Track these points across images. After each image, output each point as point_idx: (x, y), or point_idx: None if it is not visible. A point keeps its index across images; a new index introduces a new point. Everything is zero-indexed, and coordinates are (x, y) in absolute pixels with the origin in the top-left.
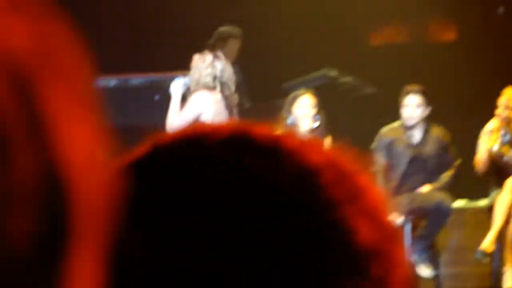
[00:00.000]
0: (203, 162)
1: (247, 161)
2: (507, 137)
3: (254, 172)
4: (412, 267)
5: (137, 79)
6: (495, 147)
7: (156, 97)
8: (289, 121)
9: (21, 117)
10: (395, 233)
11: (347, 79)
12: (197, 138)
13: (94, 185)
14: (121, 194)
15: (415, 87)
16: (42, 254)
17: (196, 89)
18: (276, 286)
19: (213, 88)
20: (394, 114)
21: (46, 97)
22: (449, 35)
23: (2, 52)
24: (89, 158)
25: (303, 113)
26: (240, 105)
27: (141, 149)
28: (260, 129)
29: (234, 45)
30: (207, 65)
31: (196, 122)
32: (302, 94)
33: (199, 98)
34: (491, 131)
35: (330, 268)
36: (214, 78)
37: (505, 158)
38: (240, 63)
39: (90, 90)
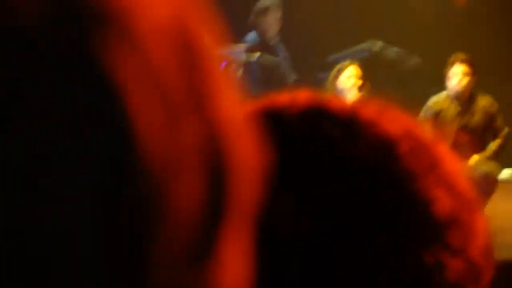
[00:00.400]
0: (282, 137)
1: (323, 132)
2: None
3: (333, 143)
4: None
5: None
6: None
7: None
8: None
9: (186, 86)
10: (473, 202)
11: (392, 51)
12: (275, 112)
13: (250, 149)
14: (269, 160)
15: (461, 56)
16: (206, 224)
17: None
18: (358, 253)
19: None
20: (440, 85)
21: (203, 65)
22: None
23: (163, 22)
24: (243, 122)
25: (349, 84)
26: (285, 79)
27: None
28: (336, 100)
29: (274, 17)
30: None
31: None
32: (348, 65)
33: None
34: None
35: (410, 237)
36: None
37: None
38: (284, 36)
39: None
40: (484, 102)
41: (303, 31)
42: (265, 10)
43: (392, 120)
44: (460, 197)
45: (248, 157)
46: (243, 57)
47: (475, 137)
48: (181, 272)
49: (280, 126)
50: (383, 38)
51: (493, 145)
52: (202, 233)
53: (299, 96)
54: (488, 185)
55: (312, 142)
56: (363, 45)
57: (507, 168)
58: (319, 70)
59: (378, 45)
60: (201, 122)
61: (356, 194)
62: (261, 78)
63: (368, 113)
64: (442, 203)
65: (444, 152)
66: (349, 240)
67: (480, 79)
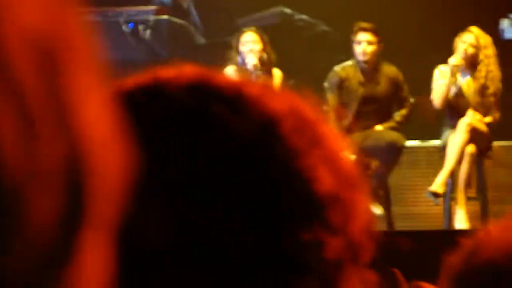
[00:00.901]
0: (166, 111)
1: (209, 109)
2: (467, 77)
3: (217, 120)
4: (373, 217)
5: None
6: (455, 83)
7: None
8: (239, 60)
9: (46, 96)
10: (356, 181)
11: (302, 16)
12: (159, 85)
13: (112, 162)
14: (132, 170)
15: (366, 24)
16: (63, 234)
17: None
18: (236, 232)
19: None
20: (348, 52)
21: (67, 75)
22: None
23: (28, 28)
24: (107, 137)
25: (247, 49)
26: (193, 42)
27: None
28: (222, 76)
29: None
30: None
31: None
32: (245, 31)
33: None
34: (454, 67)
35: (289, 215)
36: None
37: (462, 96)
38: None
39: (102, 65)
40: (389, 71)
41: None
42: None
43: (277, 98)
44: (342, 176)
45: (110, 169)
46: (152, 18)
47: (380, 106)
48: (39, 275)
49: (164, 101)
50: (291, 5)
51: (398, 115)
52: (59, 241)
53: (184, 71)
54: (393, 154)
55: (196, 118)
56: (272, 10)
57: (412, 140)
58: (228, 34)
59: (288, 10)
60: (61, 139)
61: (235, 172)
62: (169, 40)
63: (253, 90)
64: (324, 181)
65: (328, 130)
66: (226, 224)
67: (387, 50)
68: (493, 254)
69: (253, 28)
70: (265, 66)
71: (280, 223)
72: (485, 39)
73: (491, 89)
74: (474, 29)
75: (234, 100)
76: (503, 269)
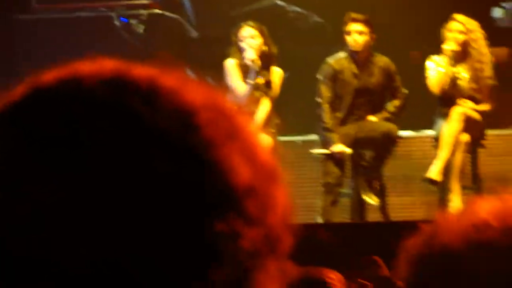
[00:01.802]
0: (83, 104)
1: (125, 102)
2: (459, 65)
3: (131, 113)
4: (293, 208)
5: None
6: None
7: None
8: (239, 54)
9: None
10: (272, 172)
11: (294, 8)
12: (76, 79)
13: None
14: None
15: (357, 15)
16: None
17: None
18: (151, 223)
19: None
20: (341, 44)
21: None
22: None
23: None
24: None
25: (246, 44)
26: (187, 35)
27: (19, 91)
28: (140, 69)
29: None
30: None
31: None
32: (244, 25)
33: None
34: (450, 53)
35: (205, 207)
36: None
37: (455, 85)
38: None
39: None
40: (382, 62)
41: None
42: None
43: (193, 90)
44: (260, 167)
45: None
46: (145, 13)
47: (374, 97)
48: None
49: (80, 94)
50: None
51: (392, 106)
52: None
53: (103, 65)
54: (387, 145)
55: (112, 111)
56: (265, 2)
57: (406, 130)
58: (222, 26)
59: (280, 3)
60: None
61: (149, 163)
62: (162, 34)
63: (169, 83)
64: (241, 172)
65: (245, 122)
66: (141, 213)
67: (380, 40)
68: (451, 238)
69: (251, 22)
70: (266, 60)
71: (196, 213)
72: (472, 24)
73: (486, 72)
74: (459, 16)
75: (149, 92)
76: (459, 252)
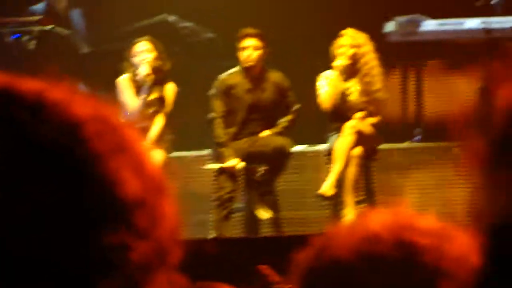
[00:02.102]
0: None
1: (11, 114)
2: (350, 79)
3: (18, 125)
4: (182, 221)
5: None
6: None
7: None
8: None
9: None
10: (161, 186)
11: (186, 24)
12: None
13: None
14: None
15: (251, 30)
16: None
17: None
18: (38, 235)
19: None
20: (234, 59)
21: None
22: None
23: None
24: None
25: (139, 59)
26: (78, 51)
27: None
28: (28, 83)
29: None
30: None
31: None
32: (138, 40)
33: None
34: (340, 68)
35: (93, 219)
36: None
37: (346, 100)
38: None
39: None
40: (275, 77)
41: (97, 1)
42: None
43: (80, 103)
44: (148, 180)
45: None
46: (36, 29)
47: (267, 112)
48: None
49: None
50: (176, 12)
51: (284, 121)
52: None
53: None
54: (280, 159)
55: None
56: (157, 18)
57: (299, 145)
58: (113, 41)
59: (172, 18)
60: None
61: (35, 175)
62: (55, 50)
63: (56, 96)
64: (129, 185)
65: (134, 135)
66: (28, 225)
67: (275, 54)
68: (341, 250)
69: (146, 37)
70: (159, 76)
71: (83, 226)
72: (361, 37)
73: (376, 85)
74: (348, 31)
75: (35, 105)
76: (351, 265)
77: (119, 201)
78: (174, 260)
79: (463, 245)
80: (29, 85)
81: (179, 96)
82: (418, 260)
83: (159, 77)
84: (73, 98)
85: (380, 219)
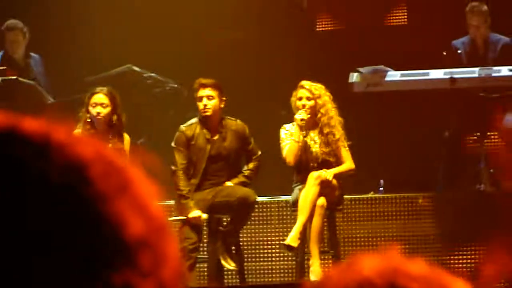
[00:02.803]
0: None
1: (16, 154)
2: (311, 130)
3: (22, 165)
4: (183, 261)
5: None
6: (303, 138)
7: None
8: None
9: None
10: (164, 226)
11: (151, 74)
12: None
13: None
14: None
15: (206, 80)
16: None
17: None
18: (41, 277)
19: None
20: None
21: None
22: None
23: None
24: None
25: (95, 111)
26: (42, 100)
27: None
28: (30, 122)
29: (13, 38)
30: None
31: None
32: (97, 92)
33: None
34: (301, 122)
35: (98, 260)
36: None
37: (309, 151)
38: (42, 56)
39: None
40: (234, 125)
41: (60, 51)
42: (2, 32)
43: (84, 143)
44: (152, 221)
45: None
46: (0, 79)
47: (229, 162)
48: None
49: None
50: (140, 63)
51: (247, 169)
52: None
53: None
54: (244, 210)
55: (3, 164)
56: (120, 69)
57: (263, 196)
58: (75, 92)
59: (135, 69)
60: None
61: (42, 216)
62: (19, 100)
63: (61, 136)
64: (133, 225)
65: (137, 176)
66: (32, 268)
67: (235, 104)
68: None
69: (104, 89)
70: (115, 128)
71: (89, 267)
72: (318, 89)
73: (336, 135)
74: (305, 83)
75: (41, 145)
76: None
77: (123, 242)
78: None
79: None
80: (33, 125)
81: (143, 146)
82: None
83: (116, 130)
84: (78, 140)
85: (371, 264)
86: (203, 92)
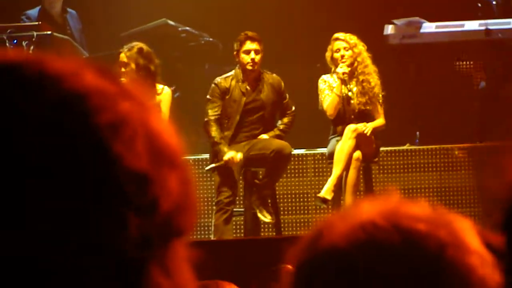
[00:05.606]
0: None
1: (8, 92)
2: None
3: (10, 104)
4: (195, 195)
5: None
6: (345, 92)
7: None
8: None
9: None
10: (171, 160)
11: (186, 27)
12: None
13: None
14: None
15: (253, 33)
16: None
17: None
18: (39, 211)
19: None
20: (231, 63)
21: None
22: None
23: None
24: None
25: (120, 71)
26: (77, 55)
27: None
28: (28, 57)
29: None
30: None
31: None
32: (119, 52)
33: None
34: (343, 75)
35: (96, 192)
36: None
37: (347, 103)
38: (78, 11)
39: None
40: (271, 79)
41: (97, 5)
42: None
43: (82, 75)
44: (156, 154)
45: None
46: (35, 34)
47: (264, 115)
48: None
49: None
50: (174, 17)
51: (282, 123)
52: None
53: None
54: (280, 163)
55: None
56: (155, 23)
57: (299, 148)
58: (112, 47)
59: (170, 23)
60: None
61: (40, 151)
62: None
63: (59, 68)
64: (133, 158)
65: (145, 107)
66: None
67: (269, 59)
68: (334, 238)
69: (125, 49)
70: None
71: (84, 203)
72: (353, 38)
73: (372, 83)
74: (339, 35)
75: (34, 79)
76: (344, 252)
77: (122, 174)
78: (183, 234)
79: (461, 231)
80: (30, 59)
81: (178, 100)
82: (419, 246)
83: (147, 83)
84: (76, 70)
85: (373, 207)
86: (251, 45)
